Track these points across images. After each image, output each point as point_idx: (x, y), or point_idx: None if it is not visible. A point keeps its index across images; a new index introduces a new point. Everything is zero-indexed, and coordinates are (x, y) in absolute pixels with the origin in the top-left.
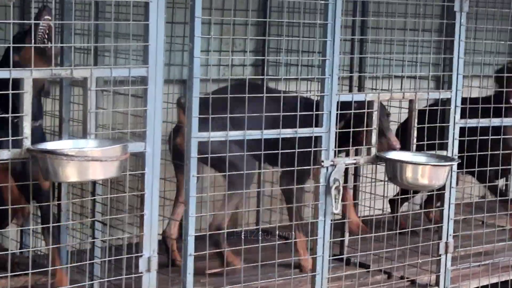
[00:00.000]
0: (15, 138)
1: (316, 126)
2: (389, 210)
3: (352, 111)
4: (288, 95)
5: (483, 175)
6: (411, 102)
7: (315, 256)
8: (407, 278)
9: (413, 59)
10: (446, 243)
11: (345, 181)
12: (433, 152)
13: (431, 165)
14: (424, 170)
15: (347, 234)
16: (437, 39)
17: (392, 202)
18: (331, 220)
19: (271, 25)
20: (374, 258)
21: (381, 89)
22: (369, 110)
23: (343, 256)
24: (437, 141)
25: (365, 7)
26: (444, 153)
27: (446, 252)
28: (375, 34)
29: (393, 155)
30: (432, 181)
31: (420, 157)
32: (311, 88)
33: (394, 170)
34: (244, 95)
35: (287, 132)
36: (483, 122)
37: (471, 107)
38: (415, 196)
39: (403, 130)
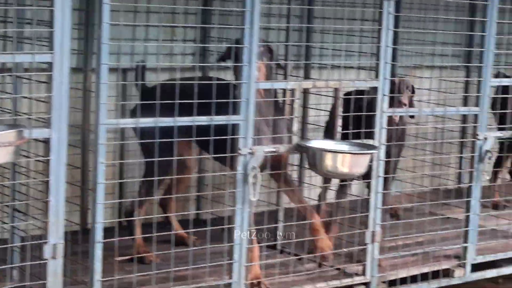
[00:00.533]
0: None
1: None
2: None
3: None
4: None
5: None
6: (336, 91)
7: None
8: (337, 267)
9: (341, 47)
10: (373, 232)
11: None
12: (359, 140)
13: (351, 153)
14: (344, 158)
15: (280, 222)
16: (370, 27)
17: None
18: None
19: (212, 14)
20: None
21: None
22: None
23: (276, 243)
24: (363, 130)
25: None
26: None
27: (372, 241)
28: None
29: (313, 143)
30: (353, 169)
31: (342, 146)
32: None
33: (314, 159)
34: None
35: (201, 119)
36: (412, 111)
37: None
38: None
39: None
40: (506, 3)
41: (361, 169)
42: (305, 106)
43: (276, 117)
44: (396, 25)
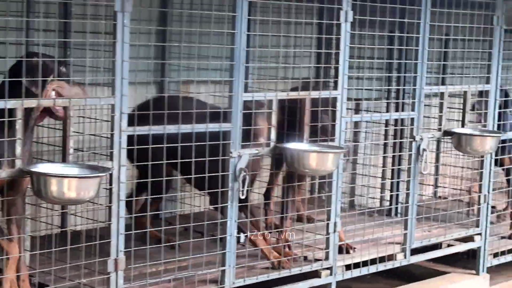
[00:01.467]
0: None
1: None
2: None
3: None
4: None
5: None
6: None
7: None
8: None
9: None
10: (116, 260)
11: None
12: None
13: (77, 177)
14: (71, 183)
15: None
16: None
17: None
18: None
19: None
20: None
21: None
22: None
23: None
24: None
25: None
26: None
27: (116, 270)
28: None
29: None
30: (81, 194)
31: (70, 169)
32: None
33: (39, 185)
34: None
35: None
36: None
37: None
38: None
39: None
40: None
41: (90, 193)
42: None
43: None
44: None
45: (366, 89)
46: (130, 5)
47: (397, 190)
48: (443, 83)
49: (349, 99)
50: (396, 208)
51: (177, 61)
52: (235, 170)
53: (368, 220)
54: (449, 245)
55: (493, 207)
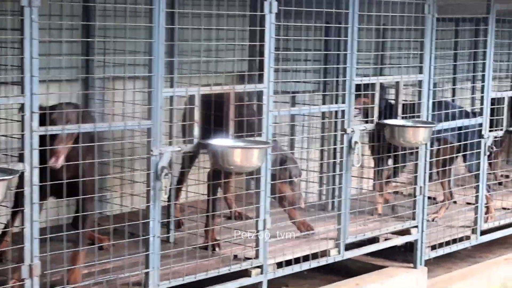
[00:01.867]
0: None
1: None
2: None
3: None
4: None
5: None
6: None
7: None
8: None
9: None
10: (30, 266)
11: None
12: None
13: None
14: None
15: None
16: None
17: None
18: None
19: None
20: None
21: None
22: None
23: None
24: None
25: None
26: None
27: (31, 276)
28: None
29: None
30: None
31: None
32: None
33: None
34: None
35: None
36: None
37: None
38: None
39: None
40: None
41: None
42: None
43: None
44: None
45: (294, 82)
46: (38, 0)
47: (334, 184)
48: (381, 74)
49: (284, 92)
50: (333, 202)
51: (102, 57)
52: (156, 169)
53: (303, 215)
54: (386, 239)
55: (433, 198)
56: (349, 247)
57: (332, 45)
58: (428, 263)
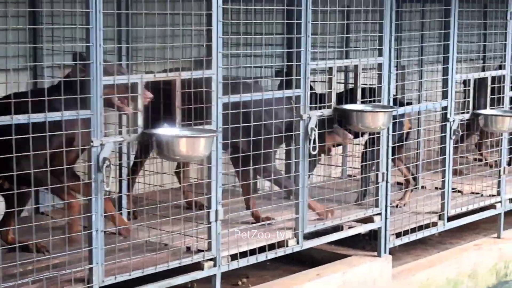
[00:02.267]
0: None
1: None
2: None
3: None
4: None
5: None
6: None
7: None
8: None
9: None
10: None
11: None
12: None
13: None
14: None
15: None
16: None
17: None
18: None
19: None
20: None
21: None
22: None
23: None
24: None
25: None
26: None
27: None
28: None
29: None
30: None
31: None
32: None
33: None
34: None
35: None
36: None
37: None
38: None
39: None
40: None
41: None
42: None
43: None
44: None
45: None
46: None
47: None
48: (347, 57)
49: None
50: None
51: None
52: (98, 160)
53: (264, 204)
54: (350, 227)
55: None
56: (311, 236)
57: (294, 29)
58: (397, 250)
